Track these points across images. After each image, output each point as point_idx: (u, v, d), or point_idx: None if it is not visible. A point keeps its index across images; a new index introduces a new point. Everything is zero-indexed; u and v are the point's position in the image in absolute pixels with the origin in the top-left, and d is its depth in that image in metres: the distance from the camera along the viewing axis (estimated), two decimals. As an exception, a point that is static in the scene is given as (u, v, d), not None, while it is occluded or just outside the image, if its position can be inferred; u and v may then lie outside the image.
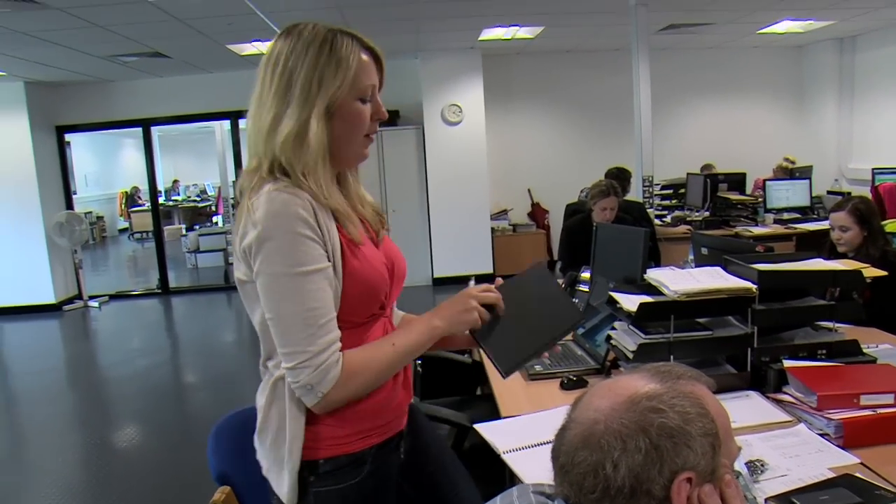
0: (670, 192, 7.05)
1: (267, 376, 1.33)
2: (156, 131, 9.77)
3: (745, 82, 8.99)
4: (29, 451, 4.37)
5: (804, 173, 7.00)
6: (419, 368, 2.53)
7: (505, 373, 1.37)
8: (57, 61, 6.89)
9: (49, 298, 8.26)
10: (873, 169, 6.82)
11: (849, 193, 5.18)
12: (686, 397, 0.81)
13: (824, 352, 2.00)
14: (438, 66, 8.12)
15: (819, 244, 3.65)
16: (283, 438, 1.28)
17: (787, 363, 1.91)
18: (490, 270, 8.24)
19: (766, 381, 1.95)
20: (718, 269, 2.16)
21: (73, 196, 9.16)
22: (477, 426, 1.86)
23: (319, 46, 1.27)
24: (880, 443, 1.60)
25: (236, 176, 9.20)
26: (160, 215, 9.72)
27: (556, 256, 5.72)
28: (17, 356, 6.77)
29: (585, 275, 3.19)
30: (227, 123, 9.43)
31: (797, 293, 2.07)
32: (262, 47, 7.00)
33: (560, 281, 3.01)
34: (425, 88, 8.12)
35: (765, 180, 6.42)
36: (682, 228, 5.93)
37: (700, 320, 2.05)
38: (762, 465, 1.51)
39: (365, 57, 1.31)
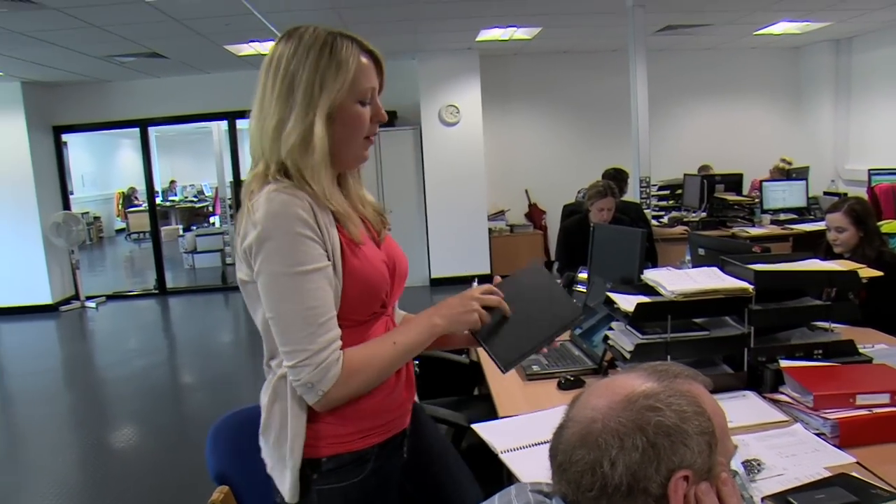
0: (667, 192, 7.07)
1: (270, 375, 1.34)
2: (153, 132, 9.76)
3: (742, 83, 9.01)
4: (26, 452, 4.37)
5: (801, 174, 7.02)
6: (417, 369, 2.53)
7: (504, 368, 1.39)
8: (54, 61, 6.88)
9: (46, 299, 8.26)
10: (870, 170, 6.83)
11: (845, 194, 5.20)
12: (683, 396, 0.82)
13: (820, 352, 2.01)
14: (436, 67, 8.13)
15: (815, 245, 3.66)
16: (285, 436, 1.30)
17: (784, 363, 1.91)
18: (487, 271, 8.24)
19: (763, 381, 1.95)
20: (715, 269, 2.16)
21: (70, 196, 9.14)
22: (474, 426, 1.86)
23: (320, 50, 1.27)
24: (876, 442, 1.61)
25: (234, 176, 9.20)
26: (157, 216, 9.71)
27: (553, 257, 5.72)
28: (14, 357, 6.76)
29: (583, 275, 3.20)
30: (224, 124, 9.42)
31: (793, 293, 2.08)
32: (260, 48, 7.00)
33: (558, 281, 3.01)
34: (423, 89, 8.13)
35: (761, 181, 6.44)
36: (679, 229, 5.94)
37: (697, 320, 2.06)
38: (759, 465, 1.51)
39: (365, 60, 1.32)
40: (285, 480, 1.30)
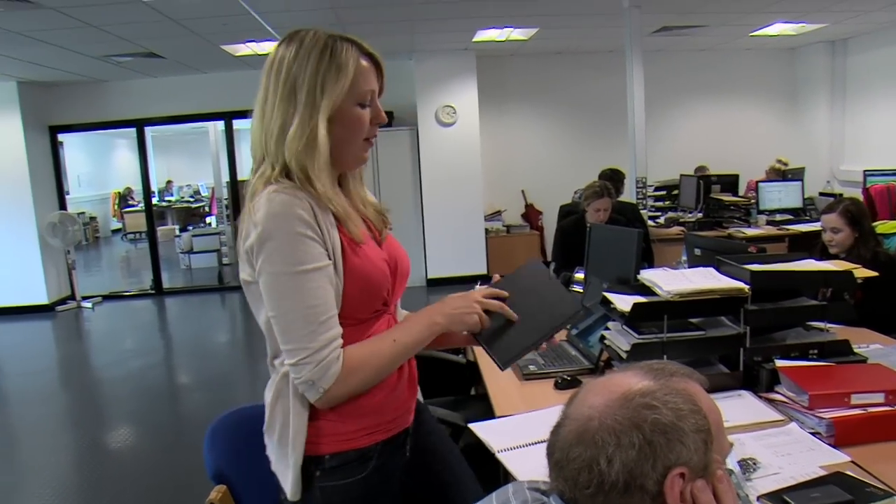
0: (664, 193, 7.09)
1: (274, 374, 1.36)
2: (149, 132, 9.73)
3: (737, 84, 9.04)
4: (22, 452, 4.36)
5: (796, 175, 7.04)
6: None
7: (502, 365, 1.40)
8: (50, 61, 6.87)
9: (42, 299, 8.23)
10: (865, 171, 6.86)
11: (840, 195, 5.21)
12: (679, 394, 0.83)
13: (816, 352, 2.02)
14: (432, 68, 8.13)
15: (811, 245, 3.68)
16: (288, 434, 1.31)
17: (779, 363, 1.92)
18: (484, 271, 8.25)
19: (759, 381, 1.96)
20: (711, 269, 2.17)
21: (66, 196, 9.12)
22: (471, 426, 1.87)
23: (320, 53, 1.29)
24: (871, 441, 1.62)
25: (230, 177, 9.19)
26: (154, 216, 9.70)
27: (549, 257, 5.73)
28: (9, 357, 6.74)
29: (579, 275, 3.21)
30: (220, 124, 9.41)
31: (789, 294, 2.09)
32: (257, 48, 7.00)
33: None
34: (419, 89, 8.13)
35: (757, 182, 6.46)
36: (676, 229, 5.96)
37: (693, 320, 2.07)
38: (754, 464, 1.52)
39: (365, 63, 1.33)
40: (288, 477, 1.32)
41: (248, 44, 6.84)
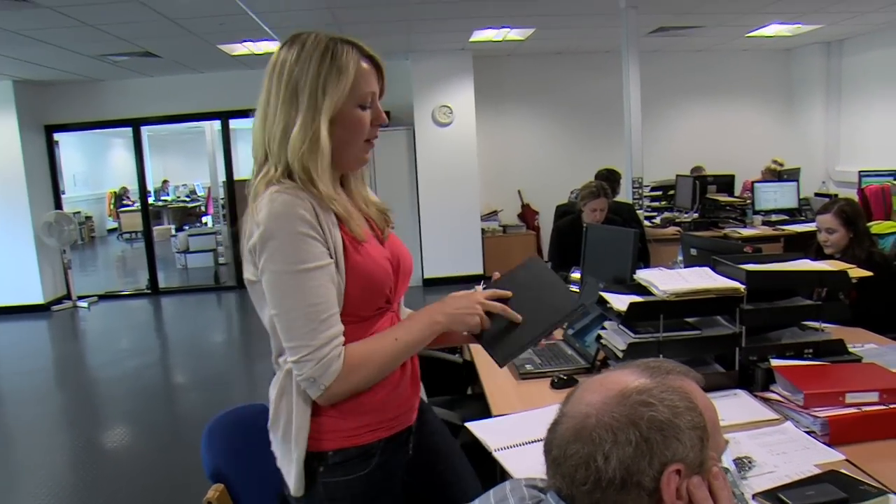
0: (660, 193, 7.10)
1: (279, 371, 1.37)
2: (145, 131, 9.73)
3: (733, 85, 9.06)
4: (17, 452, 4.35)
5: (792, 175, 7.07)
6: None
7: (501, 363, 1.41)
8: (46, 60, 6.86)
9: (37, 298, 8.22)
10: (860, 171, 6.88)
11: (836, 195, 5.23)
12: (675, 392, 0.83)
13: (811, 351, 2.02)
14: (429, 68, 8.14)
15: (806, 246, 3.69)
16: (291, 430, 1.33)
17: (775, 362, 1.93)
18: (480, 271, 8.26)
19: (754, 380, 1.97)
20: (707, 269, 2.18)
21: (62, 196, 9.11)
22: (468, 424, 1.87)
23: (321, 55, 1.30)
24: (865, 440, 1.63)
25: (227, 176, 9.18)
26: (150, 215, 9.68)
27: (546, 257, 5.74)
28: (5, 356, 6.72)
29: (575, 275, 3.22)
30: (217, 124, 9.40)
31: (784, 293, 2.10)
32: (253, 47, 7.00)
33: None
34: (416, 89, 8.14)
35: (753, 182, 6.48)
36: (672, 230, 5.97)
37: (689, 320, 2.07)
38: (750, 462, 1.53)
39: (365, 65, 1.35)
40: (291, 473, 1.34)
41: (244, 43, 6.84)
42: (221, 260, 10.47)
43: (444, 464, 1.58)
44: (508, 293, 1.40)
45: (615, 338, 2.08)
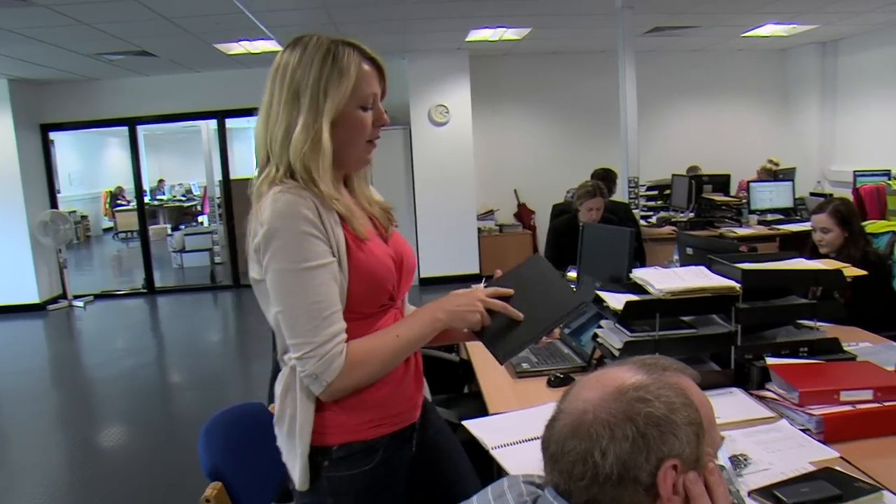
0: (656, 193, 7.12)
1: (284, 368, 1.39)
2: (141, 130, 9.71)
3: (729, 85, 9.09)
4: (13, 452, 4.34)
5: (787, 175, 7.09)
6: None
7: (501, 359, 1.42)
8: (42, 59, 6.85)
9: (33, 298, 8.20)
10: (855, 171, 6.92)
11: (831, 195, 5.25)
12: (671, 388, 0.84)
13: (806, 349, 2.04)
14: (425, 67, 8.14)
15: (802, 245, 3.70)
16: (295, 425, 1.35)
17: (770, 360, 1.94)
18: (476, 271, 8.27)
19: (750, 379, 1.98)
20: (703, 268, 2.19)
21: (58, 195, 9.08)
22: (465, 423, 1.88)
23: (323, 57, 1.32)
24: (859, 437, 1.64)
25: (223, 175, 9.17)
26: (146, 215, 9.67)
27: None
28: (0, 356, 6.71)
29: (572, 274, 3.22)
30: (213, 123, 9.39)
31: (780, 292, 2.11)
32: (250, 46, 6.99)
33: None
34: (412, 89, 8.14)
35: (749, 182, 6.50)
36: (668, 229, 5.98)
37: (685, 318, 2.09)
38: (745, 460, 1.54)
39: (367, 67, 1.37)
40: (296, 467, 1.35)
41: (241, 42, 6.83)
42: (217, 259, 10.46)
43: (446, 462, 1.59)
44: (510, 291, 1.41)
45: (611, 336, 2.09)
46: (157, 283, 9.26)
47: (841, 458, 1.56)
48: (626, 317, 2.00)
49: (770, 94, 9.14)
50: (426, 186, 8.28)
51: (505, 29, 7.11)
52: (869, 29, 7.70)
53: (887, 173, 6.48)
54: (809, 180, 8.25)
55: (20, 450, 4.34)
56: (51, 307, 8.26)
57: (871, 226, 4.15)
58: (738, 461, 1.53)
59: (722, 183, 6.47)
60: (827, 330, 2.20)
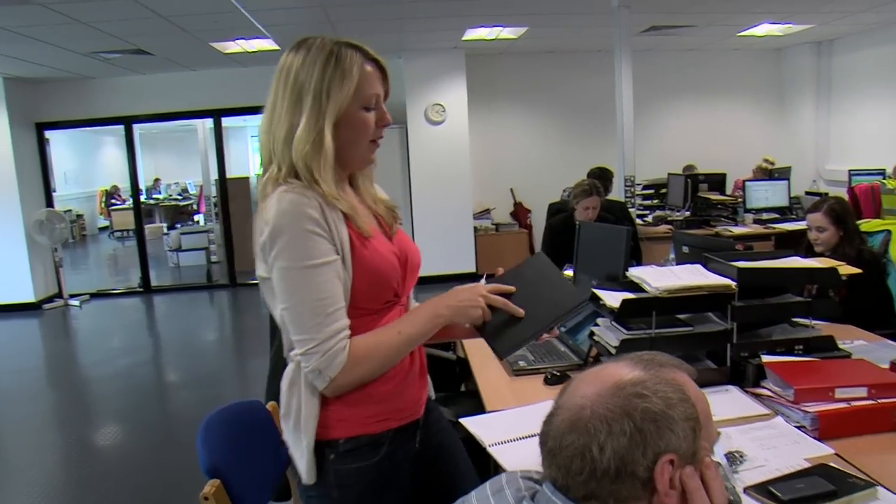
0: (652, 191, 7.13)
1: (290, 363, 1.41)
2: (137, 129, 9.69)
3: (725, 84, 9.11)
4: (8, 451, 4.33)
5: (783, 174, 7.11)
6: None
7: (501, 355, 1.44)
8: (37, 57, 6.83)
9: (29, 297, 8.18)
10: (850, 170, 6.94)
11: (826, 194, 5.27)
12: (668, 384, 0.85)
13: (801, 347, 2.05)
14: (422, 66, 8.14)
15: (797, 244, 3.72)
16: (300, 419, 1.37)
17: (766, 358, 1.95)
18: (473, 270, 8.28)
19: (745, 376, 1.99)
20: (699, 266, 2.20)
21: (53, 194, 9.06)
22: (462, 420, 1.88)
23: (325, 59, 1.34)
24: (854, 434, 1.65)
25: (219, 174, 9.16)
26: (141, 213, 9.65)
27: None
28: (-5, 355, 6.70)
29: (568, 273, 3.23)
30: (209, 122, 9.38)
31: (775, 290, 2.11)
32: (246, 45, 6.98)
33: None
34: (408, 88, 8.14)
35: (744, 181, 6.51)
36: (664, 228, 6.00)
37: (681, 316, 2.09)
38: (741, 457, 1.55)
39: (369, 68, 1.39)
40: (302, 460, 1.38)
41: (237, 41, 6.82)
42: (214, 258, 10.45)
43: (448, 461, 1.61)
44: (511, 288, 1.43)
45: (608, 334, 2.10)
46: (154, 282, 9.25)
47: (836, 454, 1.57)
48: (623, 315, 2.01)
49: (765, 93, 9.17)
50: (422, 185, 8.29)
51: (501, 28, 7.12)
52: (863, 29, 7.72)
53: (882, 172, 6.50)
54: (805, 179, 8.27)
55: (16, 449, 4.33)
56: (46, 306, 8.25)
57: (866, 224, 4.17)
58: (734, 458, 1.54)
59: (718, 182, 6.49)
60: (822, 328, 2.21)
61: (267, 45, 6.89)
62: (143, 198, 11.50)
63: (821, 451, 1.59)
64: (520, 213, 8.92)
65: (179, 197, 15.57)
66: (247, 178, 10.08)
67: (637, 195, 6.70)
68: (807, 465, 1.50)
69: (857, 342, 2.34)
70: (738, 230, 5.72)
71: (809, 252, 3.26)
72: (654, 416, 0.82)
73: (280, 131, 1.35)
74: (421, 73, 8.14)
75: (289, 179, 1.34)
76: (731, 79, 9.09)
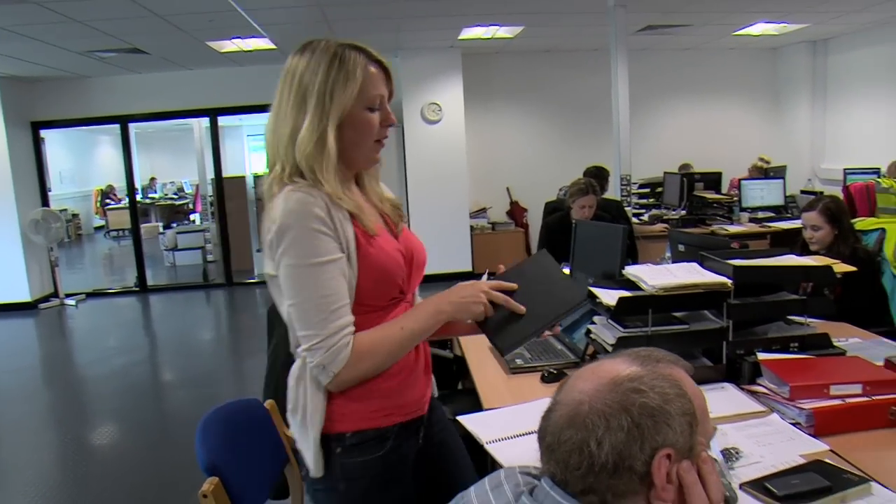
0: (648, 190, 7.14)
1: (297, 360, 1.43)
2: (133, 128, 9.67)
3: (721, 83, 9.13)
4: (4, 451, 4.32)
5: (778, 173, 7.12)
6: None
7: (503, 353, 1.46)
8: (33, 56, 6.81)
9: (24, 296, 8.16)
10: (845, 169, 6.97)
11: (821, 193, 5.29)
12: (665, 379, 0.86)
13: (796, 345, 2.06)
14: (418, 65, 8.14)
15: (792, 242, 3.73)
16: (307, 413, 1.39)
17: (761, 356, 1.96)
18: (469, 269, 8.28)
19: (741, 374, 2.00)
20: (695, 264, 2.20)
21: (49, 193, 9.04)
22: (460, 418, 1.89)
23: (329, 61, 1.37)
24: (848, 430, 1.67)
25: (215, 174, 9.14)
26: (137, 213, 9.63)
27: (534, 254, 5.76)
28: (-9, 355, 6.69)
29: (565, 271, 3.24)
30: (205, 121, 9.36)
31: (771, 288, 2.12)
32: (243, 44, 6.97)
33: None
34: (405, 87, 8.13)
35: (740, 180, 6.53)
36: (660, 226, 6.01)
37: (677, 314, 2.10)
38: (737, 453, 1.56)
39: (373, 69, 1.42)
40: (309, 453, 1.40)
41: (233, 40, 6.81)
42: (210, 257, 10.43)
43: (449, 458, 1.63)
44: (513, 285, 1.44)
45: (604, 332, 2.11)
46: (150, 282, 9.24)
47: (831, 450, 1.58)
48: (619, 313, 2.02)
49: (761, 92, 9.19)
50: (419, 184, 8.29)
51: (497, 27, 7.12)
52: (858, 28, 7.75)
53: (877, 171, 6.53)
54: (800, 178, 8.30)
55: (12, 449, 4.32)
56: (42, 306, 8.23)
57: (861, 223, 4.19)
58: (730, 454, 1.55)
59: (713, 181, 6.50)
60: (817, 326, 2.23)
61: (263, 44, 6.89)
62: (138, 197, 11.45)
63: (816, 447, 1.60)
64: (516, 212, 8.93)
65: (175, 196, 15.55)
66: (243, 178, 10.07)
67: (633, 194, 6.72)
68: (802, 461, 1.51)
69: (851, 340, 2.35)
70: (733, 229, 5.73)
71: (805, 250, 3.27)
72: (651, 411, 0.83)
73: (284, 132, 1.38)
74: (417, 72, 8.14)
75: (294, 179, 1.36)
76: (727, 78, 9.11)
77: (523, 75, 8.81)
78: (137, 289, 9.07)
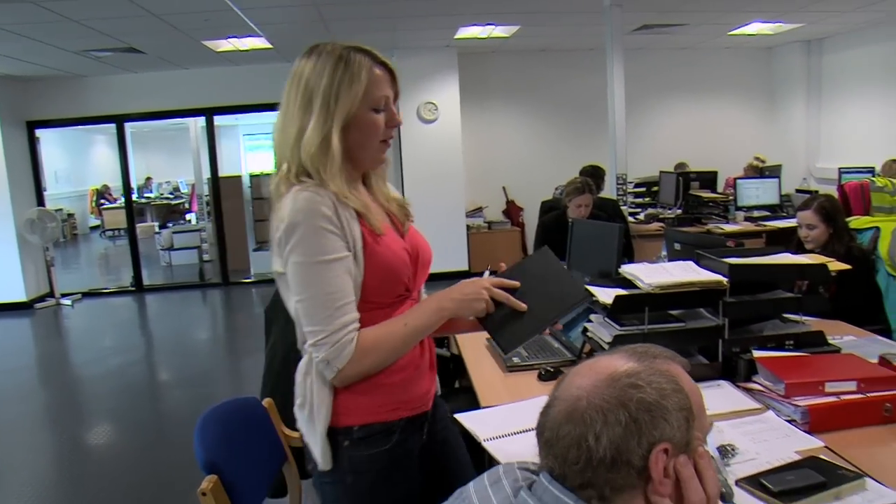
0: (643, 189, 7.16)
1: (304, 356, 1.46)
2: (128, 128, 9.64)
3: (716, 82, 9.15)
4: (0, 451, 4.32)
5: (774, 172, 7.15)
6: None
7: (505, 349, 1.48)
8: (28, 55, 6.79)
9: (20, 296, 8.14)
10: (840, 168, 6.99)
11: (816, 192, 5.30)
12: (662, 375, 0.87)
13: (792, 342, 2.07)
14: (414, 64, 8.13)
15: (788, 241, 3.75)
16: (313, 407, 1.42)
17: (757, 353, 1.97)
18: (465, 268, 8.29)
19: (737, 371, 2.01)
20: (691, 263, 2.22)
21: (44, 193, 9.01)
22: (457, 416, 1.89)
23: (335, 63, 1.39)
24: (843, 427, 1.68)
25: (211, 173, 9.13)
26: (133, 212, 9.62)
27: (531, 253, 5.77)
28: (-13, 355, 6.67)
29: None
30: (202, 120, 9.34)
31: (766, 287, 2.14)
32: (239, 44, 6.97)
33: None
34: (401, 86, 8.08)
35: (736, 179, 6.55)
36: (655, 225, 6.03)
37: (673, 312, 2.11)
38: (733, 450, 1.57)
39: (378, 71, 1.44)
40: (317, 447, 1.42)
41: (230, 39, 6.81)
42: (206, 257, 10.41)
43: (450, 455, 1.65)
44: (515, 283, 1.46)
45: (601, 330, 2.12)
46: (146, 281, 9.22)
47: (825, 447, 1.60)
48: (616, 311, 2.03)
49: (756, 91, 9.21)
50: (415, 183, 8.29)
51: (493, 26, 7.13)
52: (853, 28, 7.77)
53: (871, 170, 6.55)
54: (795, 177, 8.32)
55: (7, 449, 4.31)
56: (38, 305, 8.21)
57: (855, 222, 4.20)
58: (726, 451, 1.56)
59: (709, 180, 6.53)
60: (812, 324, 2.24)
61: (259, 43, 6.88)
62: (134, 197, 11.43)
63: (811, 444, 1.61)
64: (512, 211, 8.94)
65: (171, 196, 15.52)
66: (239, 177, 10.05)
67: (629, 193, 6.73)
68: (797, 457, 1.52)
69: (846, 337, 2.37)
70: (729, 227, 5.75)
71: (800, 249, 3.29)
72: (648, 406, 0.84)
73: (291, 132, 1.40)
74: (413, 72, 8.13)
75: (301, 178, 1.39)
76: (723, 77, 9.14)
77: (519, 75, 8.82)
78: (133, 288, 9.06)
